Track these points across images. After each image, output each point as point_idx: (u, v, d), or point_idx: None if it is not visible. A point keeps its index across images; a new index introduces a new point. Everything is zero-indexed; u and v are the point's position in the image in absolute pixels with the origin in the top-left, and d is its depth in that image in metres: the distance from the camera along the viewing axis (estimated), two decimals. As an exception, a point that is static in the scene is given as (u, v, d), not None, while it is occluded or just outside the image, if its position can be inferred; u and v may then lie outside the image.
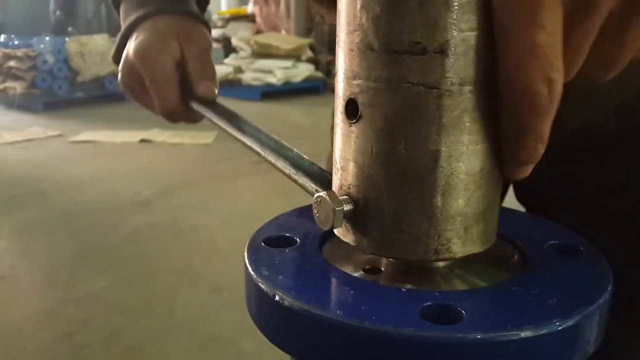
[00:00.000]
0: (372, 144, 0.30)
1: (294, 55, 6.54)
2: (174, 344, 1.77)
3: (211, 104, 0.59)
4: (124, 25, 0.62)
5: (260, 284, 0.32)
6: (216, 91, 0.60)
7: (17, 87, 5.67)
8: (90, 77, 5.94)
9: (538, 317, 0.29)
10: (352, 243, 0.33)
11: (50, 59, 5.71)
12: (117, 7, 0.65)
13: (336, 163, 0.33)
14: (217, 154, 3.99)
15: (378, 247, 0.32)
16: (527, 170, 0.30)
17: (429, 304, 0.30)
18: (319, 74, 6.65)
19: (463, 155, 0.29)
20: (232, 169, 3.62)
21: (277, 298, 0.31)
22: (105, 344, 1.78)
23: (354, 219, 0.32)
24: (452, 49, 0.27)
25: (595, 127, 0.52)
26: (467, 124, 0.29)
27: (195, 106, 0.59)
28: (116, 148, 4.23)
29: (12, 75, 5.80)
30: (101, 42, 6.04)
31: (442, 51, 0.27)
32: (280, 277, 0.33)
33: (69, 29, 7.26)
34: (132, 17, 0.61)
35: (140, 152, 4.12)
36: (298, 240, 0.38)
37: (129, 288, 2.15)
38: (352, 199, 0.32)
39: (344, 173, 0.33)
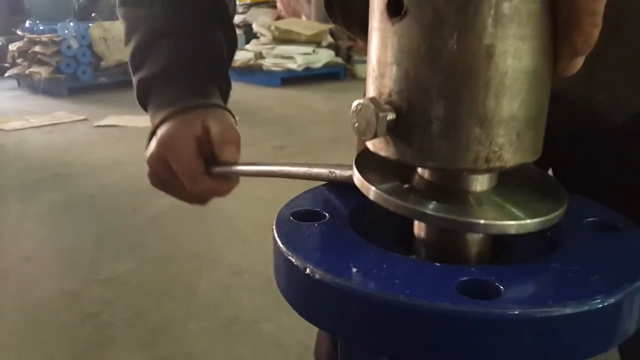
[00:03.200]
0: (420, 42, 0.28)
1: (314, 41, 6.50)
2: (196, 325, 1.79)
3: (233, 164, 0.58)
4: (152, 124, 0.62)
5: (290, 257, 0.32)
6: (238, 155, 0.59)
7: (42, 72, 5.74)
8: (113, 63, 5.99)
9: (579, 293, 0.28)
10: (392, 157, 0.31)
11: (74, 44, 5.76)
12: (145, 107, 0.66)
13: (373, 71, 0.31)
14: (238, 139, 3.99)
15: (423, 157, 0.30)
16: (579, 63, 0.29)
17: (465, 279, 0.29)
18: (339, 60, 6.59)
19: (519, 52, 0.27)
20: (253, 153, 3.61)
21: (307, 271, 0.30)
22: (129, 324, 1.80)
23: (396, 128, 0.30)
24: None
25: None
26: (525, 16, 0.27)
27: (218, 170, 0.58)
28: (140, 132, 4.25)
29: (37, 60, 5.87)
30: (124, 28, 6.06)
31: None
32: (311, 250, 0.32)
33: (93, 14, 7.31)
34: (159, 117, 0.61)
35: (162, 137, 4.14)
36: (327, 214, 0.38)
37: (152, 270, 2.17)
38: (394, 107, 0.29)
39: (383, 80, 0.30)
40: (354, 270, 0.30)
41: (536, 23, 0.27)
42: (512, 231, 0.30)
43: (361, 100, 0.30)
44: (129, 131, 4.32)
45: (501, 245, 0.36)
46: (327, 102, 5.31)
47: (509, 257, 0.35)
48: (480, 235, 0.34)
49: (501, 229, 0.30)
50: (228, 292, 1.98)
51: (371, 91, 0.31)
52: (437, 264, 0.31)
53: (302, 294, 0.32)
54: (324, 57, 6.46)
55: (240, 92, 6.08)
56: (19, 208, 2.84)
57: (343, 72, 6.56)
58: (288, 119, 4.60)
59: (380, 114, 0.29)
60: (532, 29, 0.27)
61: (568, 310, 0.26)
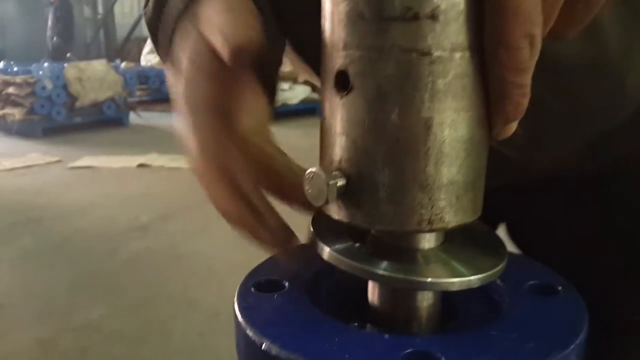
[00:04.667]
0: (365, 115, 0.30)
1: (290, 78, 6.60)
2: (172, 373, 1.77)
3: None
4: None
5: (248, 331, 0.34)
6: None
7: (15, 113, 5.71)
8: (88, 103, 5.98)
9: (514, 362, 0.30)
10: (344, 220, 0.33)
11: (48, 85, 5.76)
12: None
13: (325, 139, 0.33)
14: (215, 178, 4.00)
15: (372, 220, 0.32)
16: (512, 128, 0.32)
17: (409, 350, 0.31)
18: (316, 96, 6.70)
19: (455, 123, 0.30)
20: (229, 192, 3.63)
21: (264, 347, 0.32)
22: (103, 374, 1.77)
23: (347, 193, 0.32)
24: (443, 13, 0.28)
25: (572, 166, 0.53)
26: (458, 90, 0.29)
27: None
28: (114, 173, 4.25)
29: (11, 101, 5.84)
30: (99, 68, 6.09)
31: (434, 16, 0.28)
32: (268, 325, 0.34)
33: (68, 54, 7.33)
34: None
35: (138, 177, 4.13)
36: (287, 284, 0.39)
37: (127, 316, 2.15)
38: (344, 174, 0.32)
39: (334, 148, 0.32)
40: (308, 345, 0.32)
41: (470, 96, 0.30)
42: (455, 288, 0.33)
43: (313, 169, 0.32)
44: (103, 172, 4.30)
45: (449, 311, 0.38)
46: (304, 138, 5.35)
47: (456, 323, 0.38)
48: (430, 300, 0.36)
49: (445, 286, 0.33)
50: (205, 336, 1.96)
51: (324, 157, 0.34)
52: (386, 336, 0.33)
53: (260, 368, 0.33)
54: (300, 93, 6.57)
55: (217, 130, 6.08)
56: (-10, 254, 2.79)
57: (319, 108, 6.67)
58: (265, 156, 4.62)
59: (331, 182, 0.31)
60: (467, 102, 0.30)
61: (503, 381, 0.29)
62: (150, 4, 0.44)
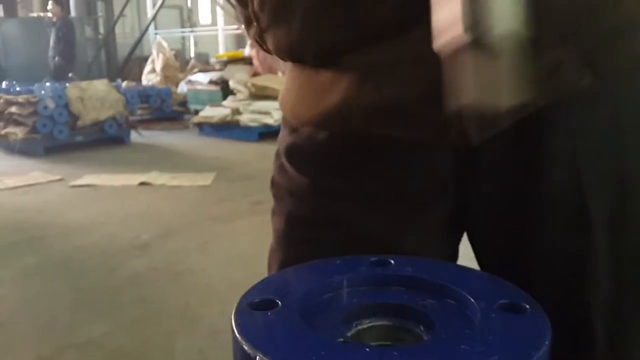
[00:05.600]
0: None
1: (289, 96, 6.68)
2: (173, 390, 1.79)
3: None
4: None
5: (244, 346, 0.37)
6: None
7: (18, 132, 5.77)
8: (90, 122, 6.05)
9: (479, 373, 0.34)
10: None
11: (50, 104, 5.83)
12: None
13: None
14: (216, 196, 4.05)
15: None
16: None
17: (387, 362, 0.35)
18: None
19: None
20: (230, 210, 3.68)
21: (257, 359, 0.36)
22: (104, 391, 1.80)
23: None
24: None
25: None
26: None
27: None
28: (116, 191, 4.29)
29: (13, 121, 5.91)
30: (101, 87, 6.17)
31: None
32: (261, 339, 0.38)
33: (70, 74, 7.41)
34: None
35: (139, 195, 4.18)
36: (280, 302, 0.43)
37: (128, 333, 2.17)
38: None
39: None
40: (296, 358, 0.36)
41: None
42: None
43: None
44: (105, 190, 4.34)
45: (428, 325, 0.42)
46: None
47: (432, 336, 0.42)
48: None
49: None
50: (205, 353, 1.99)
51: None
52: (367, 349, 0.37)
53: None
54: (298, 111, 6.62)
55: (218, 148, 6.17)
56: (-8, 273, 2.82)
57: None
58: (265, 174, 4.63)
59: None
60: None
61: (468, 389, 0.32)
62: None
